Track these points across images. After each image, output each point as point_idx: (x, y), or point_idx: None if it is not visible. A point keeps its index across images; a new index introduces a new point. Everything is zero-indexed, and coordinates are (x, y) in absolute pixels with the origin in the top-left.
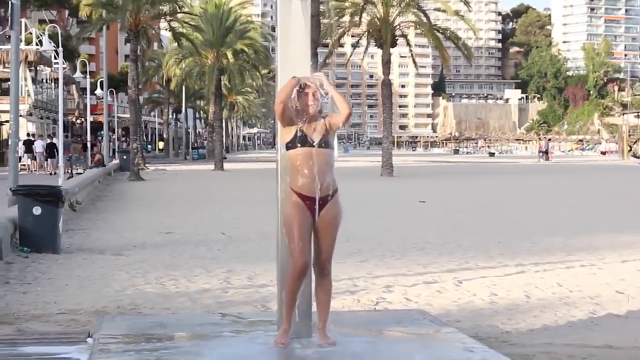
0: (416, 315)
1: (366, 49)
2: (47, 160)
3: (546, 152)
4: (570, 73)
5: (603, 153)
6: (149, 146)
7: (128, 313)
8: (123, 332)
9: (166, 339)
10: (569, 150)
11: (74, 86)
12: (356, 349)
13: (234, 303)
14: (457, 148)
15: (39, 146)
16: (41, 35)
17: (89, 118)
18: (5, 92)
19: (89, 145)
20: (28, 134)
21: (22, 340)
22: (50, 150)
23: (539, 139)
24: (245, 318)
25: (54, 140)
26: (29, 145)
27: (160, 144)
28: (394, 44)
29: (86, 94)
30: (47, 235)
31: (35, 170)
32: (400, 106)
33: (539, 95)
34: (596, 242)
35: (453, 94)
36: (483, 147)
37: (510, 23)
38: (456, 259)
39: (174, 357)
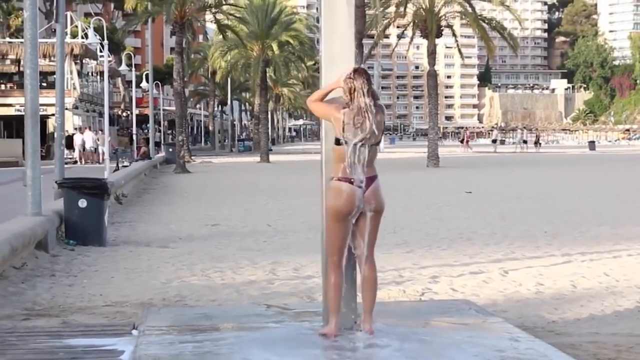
0: (462, 305)
1: (411, 39)
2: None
3: (466, 142)
4: (616, 62)
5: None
6: (206, 139)
7: (173, 305)
8: (168, 324)
9: (211, 330)
10: (615, 140)
11: (119, 79)
12: (401, 339)
13: (279, 294)
14: (503, 139)
15: (78, 140)
16: (87, 29)
17: (135, 111)
18: (51, 86)
19: (134, 138)
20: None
21: (67, 332)
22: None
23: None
24: (291, 309)
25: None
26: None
27: None
28: (439, 34)
29: (132, 87)
30: (92, 228)
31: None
32: (446, 97)
33: (585, 85)
34: None
35: (499, 84)
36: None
37: (557, 13)
38: (502, 249)
39: (219, 348)
